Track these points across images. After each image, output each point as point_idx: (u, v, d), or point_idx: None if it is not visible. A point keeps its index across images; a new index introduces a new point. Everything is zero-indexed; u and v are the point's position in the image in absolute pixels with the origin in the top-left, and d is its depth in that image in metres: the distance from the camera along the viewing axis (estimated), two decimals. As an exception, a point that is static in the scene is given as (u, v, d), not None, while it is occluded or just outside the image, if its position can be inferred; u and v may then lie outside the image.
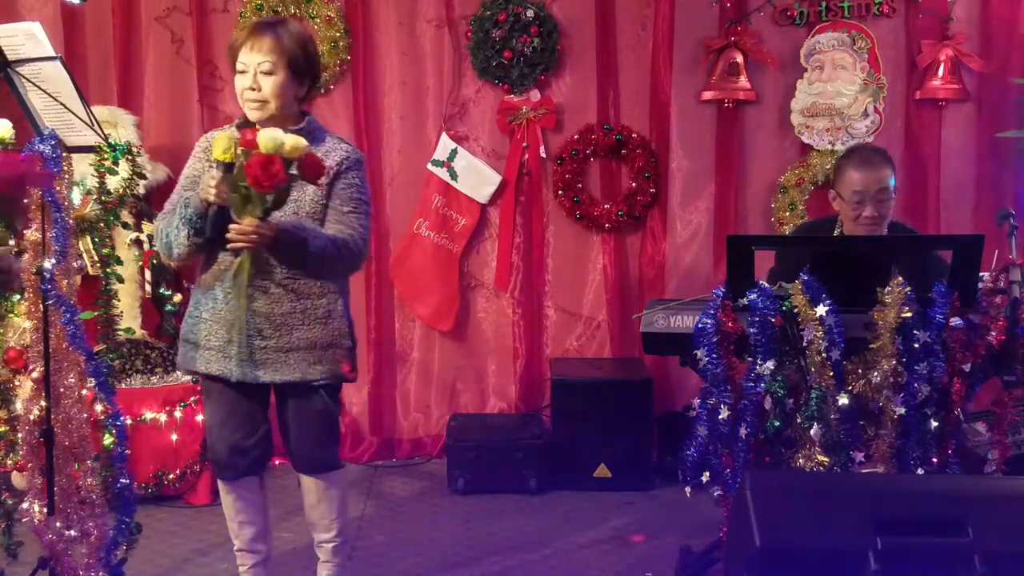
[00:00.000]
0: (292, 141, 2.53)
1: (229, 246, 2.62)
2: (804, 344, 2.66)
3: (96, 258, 3.82)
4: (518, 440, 4.35)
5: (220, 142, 2.60)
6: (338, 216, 2.79)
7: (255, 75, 2.74)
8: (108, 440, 2.73)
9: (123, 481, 2.76)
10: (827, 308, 2.63)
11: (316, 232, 2.72)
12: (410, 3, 4.63)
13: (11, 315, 2.84)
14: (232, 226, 2.58)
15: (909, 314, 2.64)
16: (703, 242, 4.74)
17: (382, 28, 4.65)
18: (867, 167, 3.27)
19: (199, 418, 4.09)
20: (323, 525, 3.03)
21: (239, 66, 2.77)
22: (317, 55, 2.86)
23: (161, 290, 4.29)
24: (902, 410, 2.64)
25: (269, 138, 2.49)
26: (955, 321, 2.68)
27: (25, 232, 2.67)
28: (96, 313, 2.93)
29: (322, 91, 4.58)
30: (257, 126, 2.70)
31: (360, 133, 4.63)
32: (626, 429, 4.32)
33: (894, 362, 2.65)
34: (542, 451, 4.33)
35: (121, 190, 3.01)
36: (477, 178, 4.65)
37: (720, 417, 2.74)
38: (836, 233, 3.38)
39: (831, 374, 2.64)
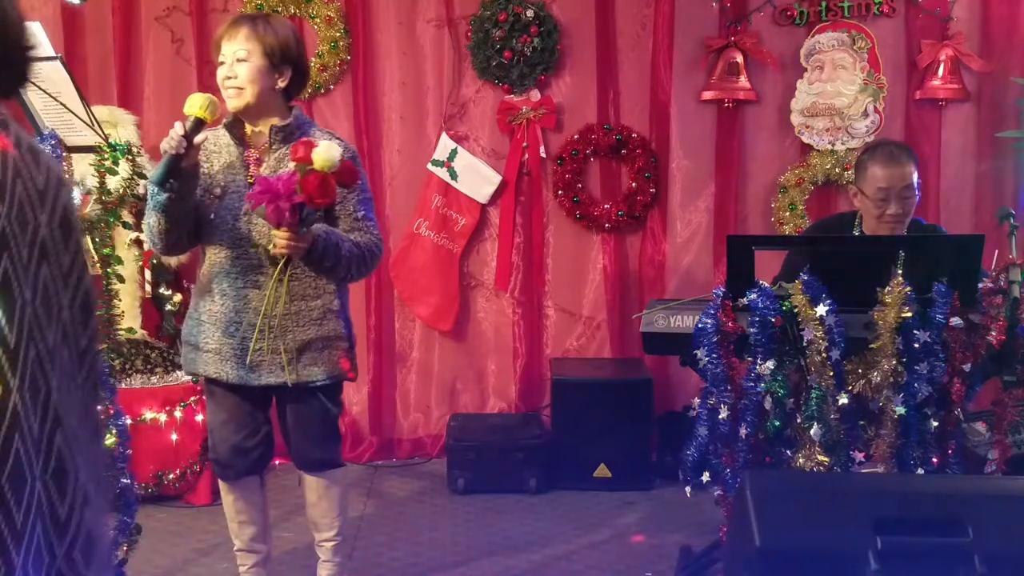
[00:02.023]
0: (326, 153, 2.51)
1: (273, 251, 2.62)
2: (804, 344, 2.66)
3: (96, 258, 3.82)
4: (518, 440, 4.36)
5: (195, 99, 2.61)
6: (352, 222, 2.80)
7: (232, 64, 2.74)
8: (110, 440, 2.73)
9: (124, 481, 2.75)
10: (827, 308, 2.63)
11: (342, 236, 2.74)
12: (410, 3, 4.63)
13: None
14: (275, 238, 2.58)
15: (909, 314, 2.64)
16: (703, 242, 4.74)
17: (382, 28, 4.65)
18: (893, 164, 3.22)
19: (199, 418, 4.10)
20: (324, 524, 3.03)
21: (220, 58, 2.78)
22: (297, 48, 2.83)
23: (161, 290, 4.30)
24: (902, 410, 2.64)
25: (325, 157, 2.49)
26: (955, 321, 2.68)
27: None
28: (96, 313, 2.92)
29: (321, 90, 4.58)
30: (307, 143, 2.66)
31: (360, 133, 4.63)
32: (626, 429, 4.32)
33: (894, 362, 2.64)
34: (542, 451, 4.33)
35: (121, 190, 3.00)
36: (477, 178, 4.66)
37: (720, 417, 2.74)
38: (856, 230, 3.37)
39: (831, 374, 2.64)
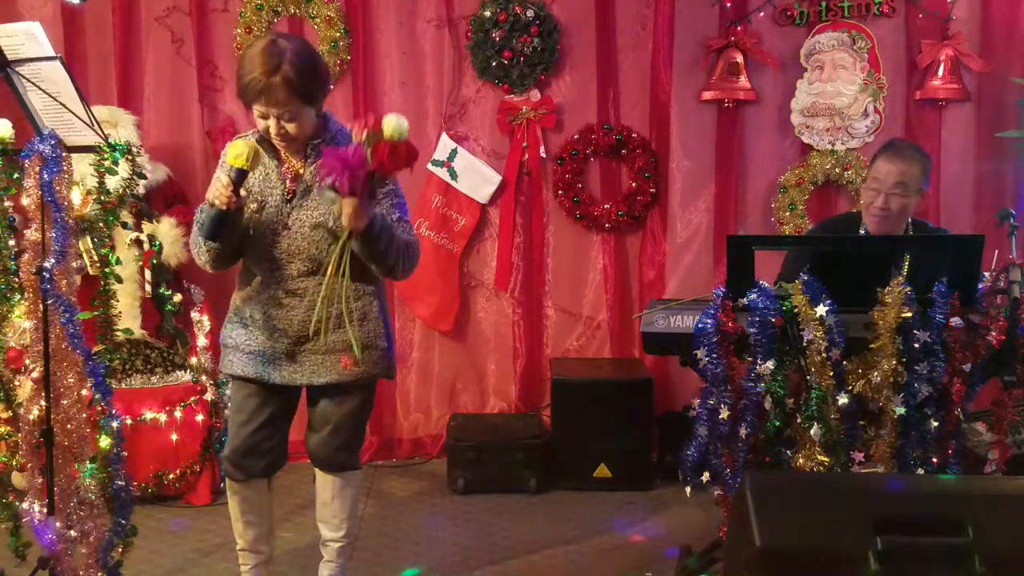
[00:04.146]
0: (396, 122, 2.56)
1: (345, 222, 2.60)
2: (804, 344, 2.66)
3: (96, 258, 3.82)
4: (518, 440, 4.35)
5: (235, 147, 2.64)
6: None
7: (278, 122, 2.71)
8: (105, 441, 2.73)
9: (119, 483, 2.75)
10: (827, 308, 2.63)
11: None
12: (410, 3, 4.63)
13: (12, 315, 2.84)
14: (344, 207, 2.58)
15: (909, 314, 2.64)
16: (703, 242, 4.74)
17: (382, 28, 4.65)
18: (893, 158, 3.28)
19: (199, 418, 4.10)
20: (333, 524, 3.04)
21: (258, 111, 2.72)
22: (322, 68, 2.81)
23: (161, 290, 4.29)
24: (902, 410, 2.65)
25: (395, 126, 2.54)
26: (955, 321, 2.68)
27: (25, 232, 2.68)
28: (94, 313, 2.92)
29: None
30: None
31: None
32: (626, 429, 4.32)
33: (894, 362, 2.65)
34: (542, 451, 4.33)
35: (121, 190, 3.00)
36: (477, 178, 4.66)
37: (720, 417, 2.74)
38: (861, 228, 3.39)
39: (831, 374, 2.64)
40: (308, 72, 2.70)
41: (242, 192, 2.71)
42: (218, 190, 2.64)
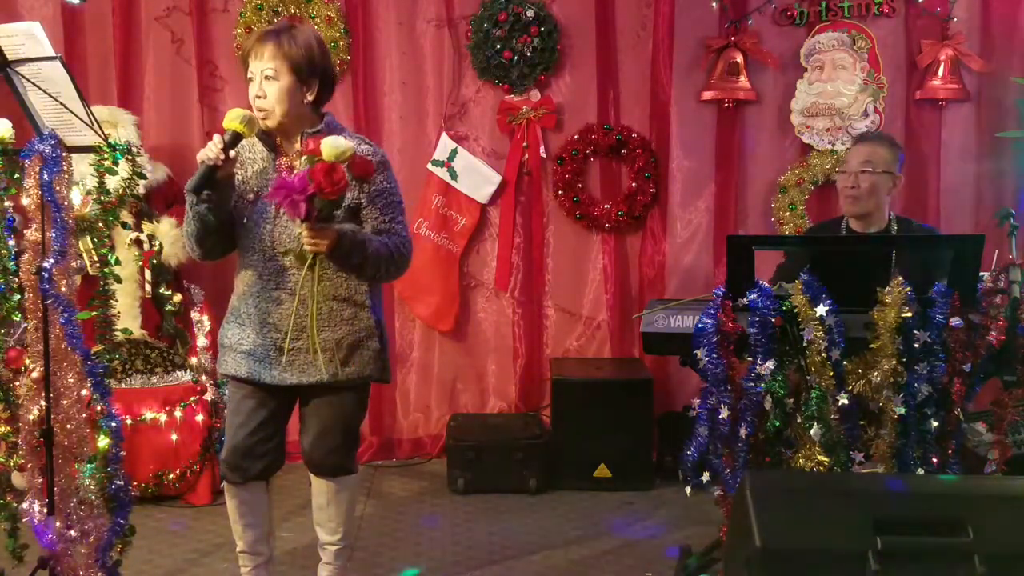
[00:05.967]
0: (333, 143, 2.55)
1: (306, 247, 2.63)
2: (804, 344, 2.66)
3: (96, 258, 3.82)
4: (518, 440, 4.35)
5: (234, 113, 2.66)
6: (380, 225, 2.80)
7: (260, 82, 2.75)
8: (103, 441, 2.72)
9: (118, 482, 2.75)
10: (827, 308, 2.63)
11: (370, 236, 2.76)
12: (410, 3, 4.63)
13: (11, 315, 2.83)
14: (302, 233, 2.62)
15: (909, 314, 2.64)
16: (703, 242, 4.74)
17: (382, 28, 4.65)
18: (859, 144, 3.43)
19: (199, 418, 4.10)
20: (330, 527, 3.03)
21: (248, 74, 2.78)
22: (325, 58, 2.84)
23: (161, 290, 4.29)
24: (902, 410, 2.64)
25: (332, 146, 2.54)
26: (955, 321, 2.68)
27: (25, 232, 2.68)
28: (93, 313, 2.92)
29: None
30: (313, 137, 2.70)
31: (360, 133, 4.60)
32: (626, 429, 4.32)
33: (894, 362, 2.65)
34: (542, 451, 4.33)
35: (121, 190, 2.99)
36: (477, 178, 4.66)
37: (720, 417, 2.74)
38: (844, 228, 3.42)
39: (831, 374, 2.64)
40: (304, 46, 2.77)
41: (236, 168, 2.72)
42: (208, 147, 2.65)
